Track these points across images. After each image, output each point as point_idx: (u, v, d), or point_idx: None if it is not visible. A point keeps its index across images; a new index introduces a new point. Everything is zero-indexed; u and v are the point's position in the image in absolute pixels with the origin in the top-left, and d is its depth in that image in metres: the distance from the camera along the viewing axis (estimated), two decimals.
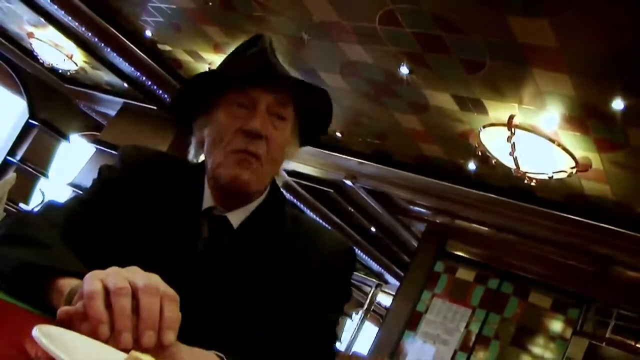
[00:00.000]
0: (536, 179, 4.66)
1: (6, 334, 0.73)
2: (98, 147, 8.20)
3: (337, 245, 1.22)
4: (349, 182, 6.83)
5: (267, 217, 1.18)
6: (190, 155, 1.24)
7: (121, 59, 6.54)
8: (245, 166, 1.10)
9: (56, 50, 7.40)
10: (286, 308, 1.11)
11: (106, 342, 0.71)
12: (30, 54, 8.10)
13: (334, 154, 6.41)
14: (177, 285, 0.82)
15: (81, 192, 1.22)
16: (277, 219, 1.20)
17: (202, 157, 1.23)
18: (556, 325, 6.22)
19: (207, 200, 1.17)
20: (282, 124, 1.15)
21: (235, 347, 0.99)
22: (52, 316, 0.86)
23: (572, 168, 4.53)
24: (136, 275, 0.77)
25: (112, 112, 8.86)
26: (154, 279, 0.78)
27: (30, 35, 7.34)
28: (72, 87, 9.10)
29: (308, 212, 8.35)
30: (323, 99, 1.20)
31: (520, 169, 4.56)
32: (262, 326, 1.08)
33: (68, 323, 0.75)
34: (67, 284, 0.86)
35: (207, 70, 1.22)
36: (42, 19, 6.51)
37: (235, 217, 1.16)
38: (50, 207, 1.16)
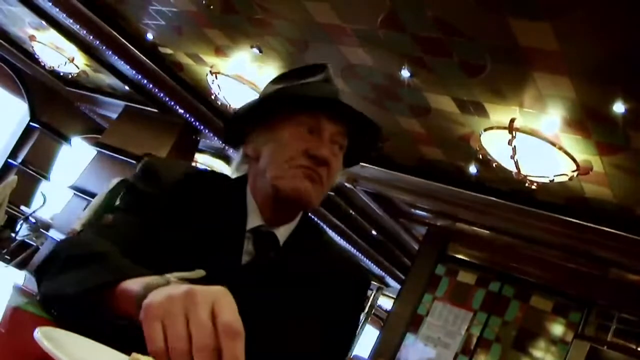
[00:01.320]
0: (537, 182, 4.65)
1: (12, 338, 0.73)
2: (99, 150, 8.20)
3: (359, 277, 1.30)
4: (350, 185, 6.82)
5: (308, 234, 1.24)
6: (233, 165, 1.28)
7: (122, 62, 6.55)
8: (310, 180, 1.14)
9: (57, 53, 7.41)
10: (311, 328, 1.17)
11: None
12: (31, 56, 8.12)
13: None
14: None
15: (115, 209, 1.19)
16: (315, 237, 1.26)
17: (244, 169, 1.25)
18: (557, 329, 6.21)
19: (253, 216, 1.19)
20: (339, 152, 1.21)
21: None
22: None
23: (573, 171, 4.52)
24: (196, 317, 0.71)
25: (114, 115, 8.87)
26: (219, 311, 0.73)
27: (32, 38, 7.36)
28: (73, 89, 9.11)
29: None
30: (375, 135, 1.27)
31: (521, 172, 4.55)
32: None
33: None
34: (132, 286, 0.83)
35: (278, 90, 1.22)
36: (43, 22, 6.53)
37: (281, 234, 1.19)
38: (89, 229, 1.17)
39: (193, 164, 8.49)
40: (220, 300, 0.74)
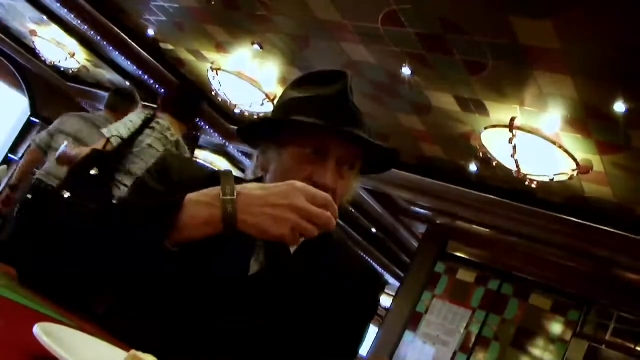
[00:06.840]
0: (537, 181, 4.65)
1: (11, 334, 0.73)
2: None
3: (373, 281, 1.27)
4: None
5: (320, 238, 1.19)
6: (249, 170, 1.25)
7: (123, 58, 6.55)
8: None
9: (58, 49, 7.41)
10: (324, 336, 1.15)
11: None
12: (32, 52, 8.11)
13: None
14: (231, 309, 0.89)
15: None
16: (327, 239, 1.20)
17: (260, 174, 1.22)
18: (556, 327, 6.22)
19: None
20: (349, 173, 1.16)
21: None
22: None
23: (574, 170, 4.52)
24: (298, 207, 0.95)
25: None
26: (294, 203, 0.95)
27: (33, 33, 7.35)
28: (74, 85, 9.11)
29: None
30: (392, 157, 1.22)
31: (522, 171, 4.55)
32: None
33: None
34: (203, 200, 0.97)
35: (292, 100, 1.14)
36: (44, 17, 6.52)
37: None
38: None
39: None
40: (290, 195, 0.95)
